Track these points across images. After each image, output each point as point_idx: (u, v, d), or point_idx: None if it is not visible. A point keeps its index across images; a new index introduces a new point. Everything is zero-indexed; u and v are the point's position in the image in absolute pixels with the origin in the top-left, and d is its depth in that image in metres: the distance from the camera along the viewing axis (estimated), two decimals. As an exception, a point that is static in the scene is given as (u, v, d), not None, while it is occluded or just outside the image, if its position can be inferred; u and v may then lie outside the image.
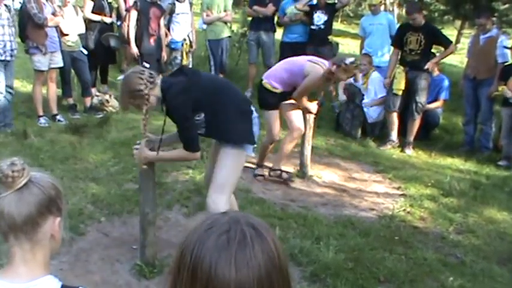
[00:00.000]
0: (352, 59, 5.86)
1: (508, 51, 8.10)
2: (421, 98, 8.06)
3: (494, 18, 11.20)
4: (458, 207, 6.14)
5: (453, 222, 5.71)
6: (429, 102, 8.45)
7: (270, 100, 6.12)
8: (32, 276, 1.72)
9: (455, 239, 5.37)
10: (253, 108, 4.25)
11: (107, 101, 8.90)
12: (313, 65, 5.87)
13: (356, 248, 4.90)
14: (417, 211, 5.91)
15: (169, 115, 3.97)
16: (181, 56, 9.83)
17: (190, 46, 9.98)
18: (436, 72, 8.71)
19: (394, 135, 8.32)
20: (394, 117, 8.26)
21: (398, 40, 8.26)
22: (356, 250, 4.85)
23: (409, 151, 8.16)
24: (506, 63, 8.12)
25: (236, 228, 1.15)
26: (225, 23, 10.15)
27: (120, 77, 8.83)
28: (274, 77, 6.09)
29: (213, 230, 1.16)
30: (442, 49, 8.30)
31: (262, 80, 6.21)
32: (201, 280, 1.12)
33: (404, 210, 5.97)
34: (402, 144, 8.28)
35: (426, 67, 8.00)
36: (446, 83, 8.75)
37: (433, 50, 8.38)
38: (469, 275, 4.66)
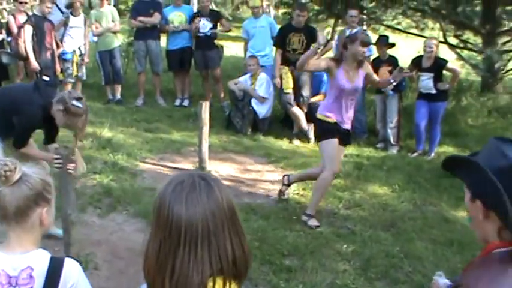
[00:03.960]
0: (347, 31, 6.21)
1: (372, 46, 8.96)
2: (306, 92, 8.76)
3: (364, 16, 12.19)
4: (345, 186, 6.88)
5: (342, 200, 6.43)
6: (312, 96, 9.12)
7: (326, 129, 5.76)
8: (24, 250, 2.12)
9: (345, 214, 6.09)
10: None
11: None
12: None
13: (259, 229, 5.47)
14: (309, 193, 6.51)
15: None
16: (72, 66, 9.94)
17: (82, 59, 10.06)
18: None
19: (304, 125, 8.83)
20: (296, 112, 8.80)
21: (280, 41, 8.87)
22: (260, 231, 5.43)
23: (297, 142, 8.81)
24: (374, 58, 9.01)
25: (189, 180, 1.57)
26: (114, 33, 10.36)
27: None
28: (323, 107, 5.88)
29: (172, 182, 1.58)
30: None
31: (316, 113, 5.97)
32: (163, 217, 1.54)
33: (298, 193, 6.62)
34: (290, 136, 8.91)
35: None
36: (325, 77, 9.35)
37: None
38: (359, 242, 5.38)
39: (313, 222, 5.75)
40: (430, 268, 4.76)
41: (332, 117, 5.70)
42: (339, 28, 11.67)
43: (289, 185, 6.39)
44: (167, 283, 1.51)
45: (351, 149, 8.42)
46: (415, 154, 8.37)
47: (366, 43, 5.69)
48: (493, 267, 1.75)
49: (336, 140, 5.71)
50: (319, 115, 5.82)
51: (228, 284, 1.54)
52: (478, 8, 11.63)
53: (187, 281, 1.49)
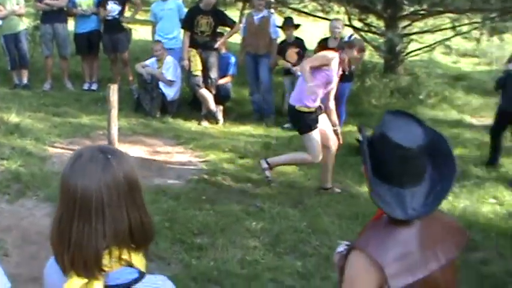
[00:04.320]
0: (347, 37, 6.47)
1: (278, 29, 9.14)
2: (214, 74, 8.81)
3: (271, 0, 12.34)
4: (253, 166, 6.98)
5: (251, 179, 6.56)
6: (220, 78, 9.16)
7: (308, 121, 6.03)
8: None
9: (254, 192, 6.24)
10: None
11: None
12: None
13: (169, 210, 5.53)
14: (219, 173, 6.64)
15: None
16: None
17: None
18: (223, 50, 9.48)
19: (212, 106, 8.86)
20: (204, 94, 8.80)
21: (188, 23, 8.84)
22: (170, 212, 5.48)
23: (206, 123, 8.86)
24: (281, 41, 9.18)
25: (87, 153, 1.60)
26: (19, 16, 9.99)
27: None
28: (305, 98, 5.97)
29: (73, 156, 1.62)
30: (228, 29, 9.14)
31: (294, 106, 6.10)
32: (62, 190, 1.58)
33: (207, 174, 6.68)
34: (200, 118, 8.95)
35: (216, 46, 8.79)
36: (233, 59, 9.48)
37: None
38: (268, 219, 5.54)
39: (268, 173, 6.31)
40: (336, 241, 4.94)
41: (312, 106, 5.97)
42: (246, 11, 11.70)
43: (271, 168, 6.42)
44: (65, 254, 1.54)
45: (258, 130, 8.61)
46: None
47: (363, 49, 6.15)
48: (382, 230, 1.95)
49: (317, 129, 6.02)
50: (300, 108, 6.00)
51: (125, 254, 1.58)
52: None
53: (82, 252, 1.52)
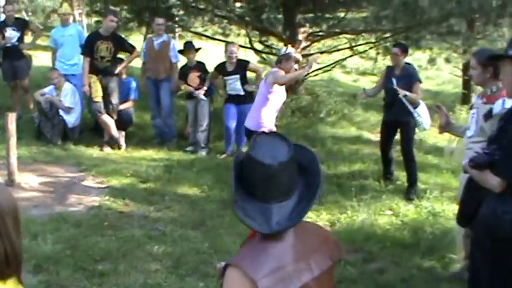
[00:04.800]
0: (283, 50, 6.67)
1: (178, 53, 9.27)
2: (114, 99, 8.82)
3: (175, 24, 12.48)
4: (156, 190, 7.08)
5: (153, 203, 6.63)
6: (121, 103, 9.19)
7: None
8: None
9: (156, 216, 6.31)
10: None
11: None
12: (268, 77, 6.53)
13: (71, 237, 5.53)
14: (120, 199, 6.68)
15: None
16: None
17: None
18: (124, 76, 9.53)
19: (114, 132, 8.84)
20: (106, 119, 8.77)
21: (88, 49, 8.80)
22: (71, 240, 5.48)
23: (108, 149, 8.84)
24: (183, 65, 9.32)
25: None
26: None
27: None
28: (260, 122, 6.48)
29: None
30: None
31: (251, 131, 6.52)
32: None
33: (109, 199, 6.71)
34: (102, 144, 8.92)
35: (116, 71, 8.85)
36: (134, 84, 9.54)
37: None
38: (170, 242, 5.62)
39: None
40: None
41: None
42: (150, 36, 11.77)
43: None
44: None
45: (160, 154, 8.68)
46: (224, 155, 8.73)
47: (297, 60, 6.47)
48: (255, 246, 2.07)
49: None
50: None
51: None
52: (280, 15, 12.37)
53: None
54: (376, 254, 5.61)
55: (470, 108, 4.94)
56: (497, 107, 4.33)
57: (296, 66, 6.61)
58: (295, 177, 2.13)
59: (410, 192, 7.29)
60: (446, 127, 5.00)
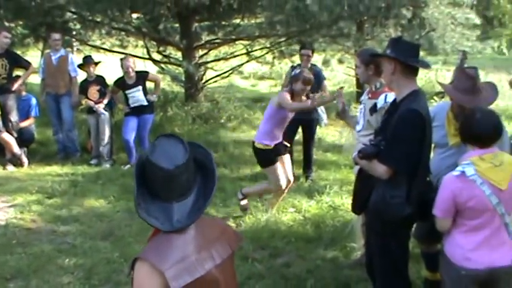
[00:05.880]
0: (294, 71, 6.75)
1: (77, 68, 9.31)
2: (13, 117, 8.73)
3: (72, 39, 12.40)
4: (62, 204, 7.15)
5: (60, 217, 6.71)
6: (22, 121, 9.12)
7: (267, 157, 6.47)
8: None
9: (64, 230, 6.39)
10: None
11: None
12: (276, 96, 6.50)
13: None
14: (27, 216, 6.72)
15: None
16: None
17: None
18: (23, 93, 9.46)
19: (16, 150, 8.73)
20: (6, 138, 8.63)
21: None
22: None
23: (11, 168, 8.76)
24: (82, 79, 9.35)
25: None
26: None
27: None
28: (262, 135, 6.48)
29: None
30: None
31: (253, 142, 6.56)
32: None
33: (16, 217, 6.72)
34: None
35: (13, 89, 8.76)
36: (34, 101, 9.48)
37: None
38: (81, 254, 5.74)
39: (244, 202, 6.84)
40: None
41: (270, 145, 6.41)
42: (47, 51, 11.65)
43: (244, 198, 6.89)
44: None
45: (65, 168, 8.70)
46: (128, 166, 8.87)
47: (308, 81, 6.41)
48: (160, 240, 2.29)
49: (277, 164, 6.48)
50: (258, 144, 6.45)
51: None
52: (176, 25, 12.58)
53: None
54: (281, 249, 5.90)
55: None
56: (381, 101, 4.69)
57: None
58: (193, 176, 2.33)
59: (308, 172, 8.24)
60: (343, 114, 5.42)
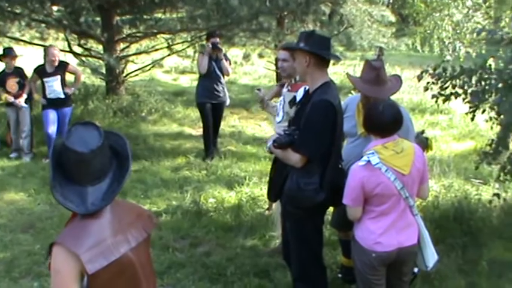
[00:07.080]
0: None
1: None
2: None
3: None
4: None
5: (-21, 211, 6.64)
6: None
7: None
8: None
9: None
10: None
11: None
12: None
13: None
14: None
15: None
16: None
17: None
18: None
19: None
20: None
21: None
22: None
23: None
24: (0, 71, 9.21)
25: None
26: None
27: None
28: None
29: None
30: None
31: None
32: None
33: None
34: None
35: None
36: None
37: None
38: (1, 247, 5.78)
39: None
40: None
41: None
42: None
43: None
44: None
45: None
46: (48, 160, 8.76)
47: None
48: (76, 225, 2.37)
49: None
50: None
51: None
52: (98, 18, 12.44)
53: None
54: (202, 238, 6.08)
55: None
56: (300, 94, 4.78)
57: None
58: (108, 161, 2.40)
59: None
60: (263, 105, 5.77)
